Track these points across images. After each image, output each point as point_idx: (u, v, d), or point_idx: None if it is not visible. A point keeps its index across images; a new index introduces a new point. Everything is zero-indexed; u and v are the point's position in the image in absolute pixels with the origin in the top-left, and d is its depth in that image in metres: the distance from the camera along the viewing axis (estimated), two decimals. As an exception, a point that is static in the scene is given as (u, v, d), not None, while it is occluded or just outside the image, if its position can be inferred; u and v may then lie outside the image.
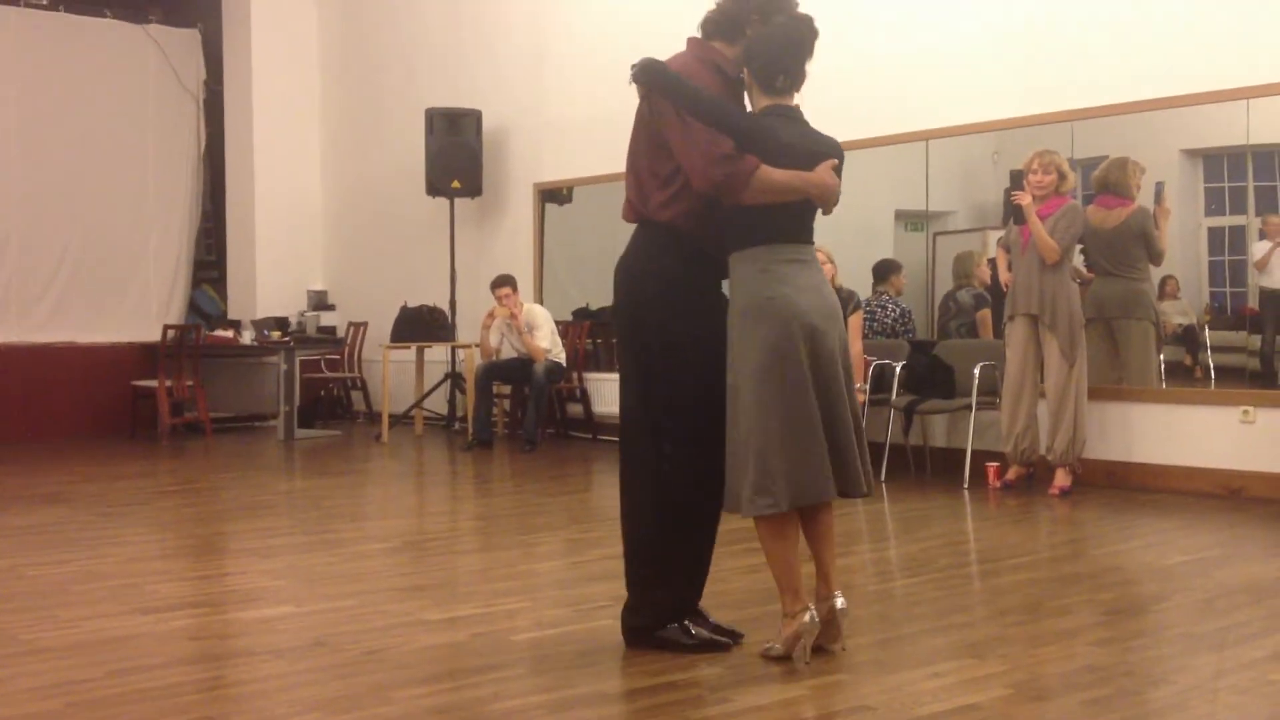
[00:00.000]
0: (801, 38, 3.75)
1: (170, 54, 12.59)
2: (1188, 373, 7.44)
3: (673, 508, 3.77)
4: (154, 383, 10.63)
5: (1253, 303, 7.12)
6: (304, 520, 6.74)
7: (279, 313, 11.86)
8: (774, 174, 3.62)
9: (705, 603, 3.98)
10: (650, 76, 3.67)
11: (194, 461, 9.39)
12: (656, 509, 3.77)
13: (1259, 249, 7.00)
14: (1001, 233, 7.41)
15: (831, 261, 7.72)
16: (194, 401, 10.76)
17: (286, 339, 10.99)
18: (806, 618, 3.64)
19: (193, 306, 12.88)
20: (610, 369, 10.33)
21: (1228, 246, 7.32)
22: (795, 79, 3.79)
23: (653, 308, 3.76)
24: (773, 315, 3.63)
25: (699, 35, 3.92)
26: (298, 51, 12.69)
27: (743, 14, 3.80)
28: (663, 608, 3.83)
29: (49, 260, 11.85)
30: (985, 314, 8.01)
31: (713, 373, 3.73)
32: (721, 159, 3.58)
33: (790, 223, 3.75)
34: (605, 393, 10.08)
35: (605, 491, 8.02)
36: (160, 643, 4.06)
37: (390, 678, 3.59)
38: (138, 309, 12.34)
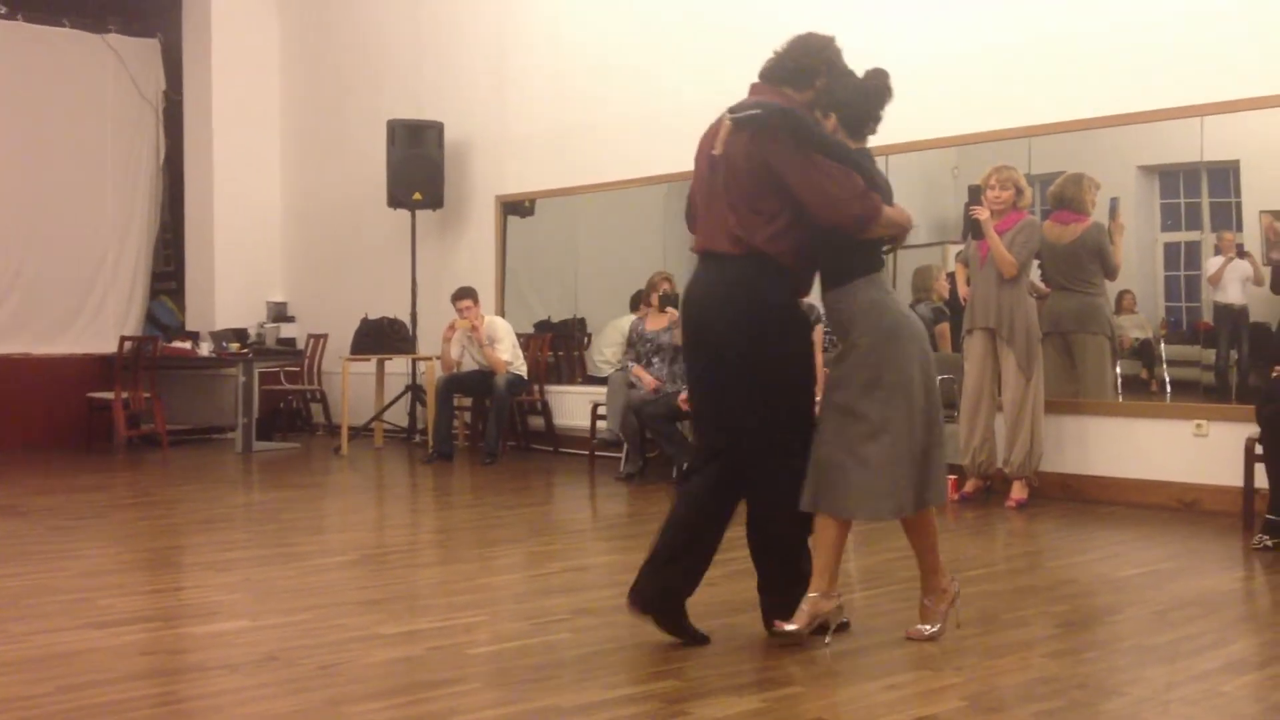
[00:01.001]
0: (888, 90, 4.18)
1: (129, 63, 12.50)
2: (1144, 386, 7.51)
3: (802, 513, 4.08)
4: (110, 395, 10.53)
5: (1207, 317, 7.20)
6: (261, 534, 6.69)
7: (238, 324, 11.79)
8: (888, 210, 4.04)
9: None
10: (785, 119, 3.95)
11: (150, 474, 9.30)
12: (793, 514, 4.06)
13: (1213, 264, 7.08)
14: (960, 247, 7.47)
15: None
16: (151, 414, 10.67)
17: (245, 351, 10.92)
18: (832, 604, 4.03)
19: (150, 318, 12.77)
20: (571, 381, 10.33)
21: (1183, 262, 7.40)
22: (878, 126, 4.23)
23: (769, 336, 4.02)
24: (918, 333, 4.11)
25: (761, 82, 4.19)
26: (258, 62, 12.63)
27: (814, 65, 4.16)
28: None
29: (4, 271, 11.74)
30: (944, 328, 8.07)
31: (803, 391, 4.14)
32: (862, 195, 3.95)
33: (879, 254, 4.17)
34: (566, 405, 10.08)
35: (566, 504, 8.02)
36: (113, 658, 4.01)
37: (345, 692, 3.57)
38: (94, 320, 12.23)
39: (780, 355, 4.05)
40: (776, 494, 4.05)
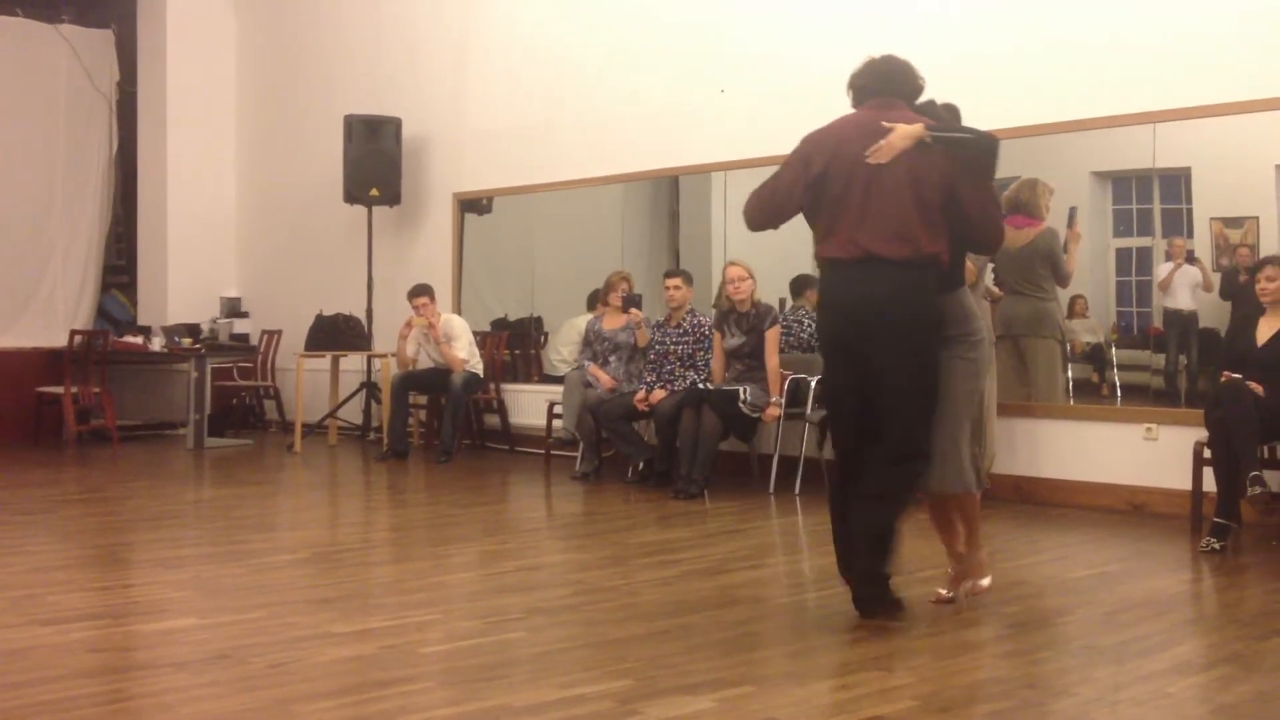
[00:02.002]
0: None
1: (82, 54, 12.34)
2: (1095, 390, 7.58)
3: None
4: (60, 389, 10.40)
5: (1158, 322, 7.29)
6: (212, 531, 6.63)
7: (191, 319, 11.66)
8: None
9: (619, 613, 3.98)
10: (988, 151, 4.32)
11: (100, 470, 9.20)
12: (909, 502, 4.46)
13: (1163, 270, 7.16)
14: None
15: (751, 276, 7.79)
16: (101, 409, 10.55)
17: (198, 346, 10.81)
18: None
19: (101, 312, 12.62)
20: (527, 380, 10.31)
21: (1135, 267, 7.48)
22: None
23: (935, 339, 4.33)
24: None
25: (886, 98, 4.45)
26: (214, 54, 12.51)
27: (920, 87, 4.57)
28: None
29: (-48, 263, 11.57)
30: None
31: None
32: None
33: None
34: (522, 404, 10.05)
35: (521, 503, 8.00)
36: (60, 655, 3.97)
37: (295, 691, 3.54)
38: (44, 313, 12.07)
39: (937, 358, 4.33)
40: (901, 483, 4.33)
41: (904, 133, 4.25)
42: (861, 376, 4.32)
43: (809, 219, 4.48)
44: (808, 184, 4.37)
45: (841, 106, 8.17)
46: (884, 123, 4.28)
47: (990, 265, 7.28)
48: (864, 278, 4.27)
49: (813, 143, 4.45)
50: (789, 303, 8.51)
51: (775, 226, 4.62)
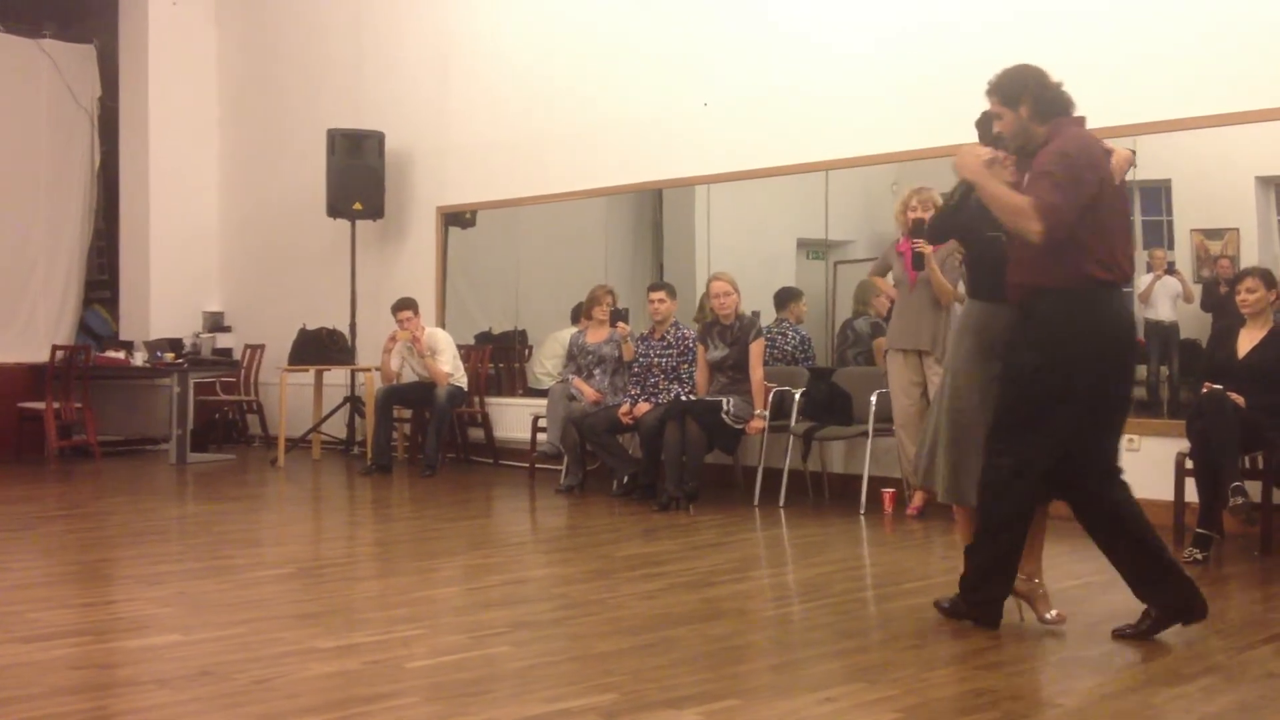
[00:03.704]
0: None
1: (64, 69, 12.32)
2: (1078, 401, 7.60)
3: None
4: (41, 405, 10.35)
5: (1139, 334, 7.31)
6: (195, 546, 6.60)
7: (173, 334, 11.63)
8: None
9: (604, 626, 3.98)
10: None
11: (82, 486, 9.15)
12: None
13: (1144, 281, 7.20)
14: (878, 259, 7.62)
15: (736, 290, 7.80)
16: (83, 424, 10.50)
17: (180, 361, 10.77)
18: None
19: (83, 327, 12.58)
20: (511, 393, 10.31)
21: (1116, 279, 7.51)
22: None
23: None
24: None
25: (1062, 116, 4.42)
26: (196, 68, 12.50)
27: None
28: None
29: (-67, 278, 11.51)
30: (881, 342, 8.13)
31: None
32: None
33: None
34: (507, 417, 10.04)
35: (506, 517, 7.99)
36: (41, 672, 3.94)
37: (279, 707, 3.53)
38: (25, 329, 12.02)
39: None
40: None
41: (1128, 156, 4.31)
42: (1109, 401, 4.36)
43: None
44: (1090, 197, 4.18)
45: (826, 119, 8.17)
46: (1106, 144, 4.29)
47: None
48: (1125, 303, 4.34)
49: (1093, 156, 4.22)
50: (765, 315, 8.52)
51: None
